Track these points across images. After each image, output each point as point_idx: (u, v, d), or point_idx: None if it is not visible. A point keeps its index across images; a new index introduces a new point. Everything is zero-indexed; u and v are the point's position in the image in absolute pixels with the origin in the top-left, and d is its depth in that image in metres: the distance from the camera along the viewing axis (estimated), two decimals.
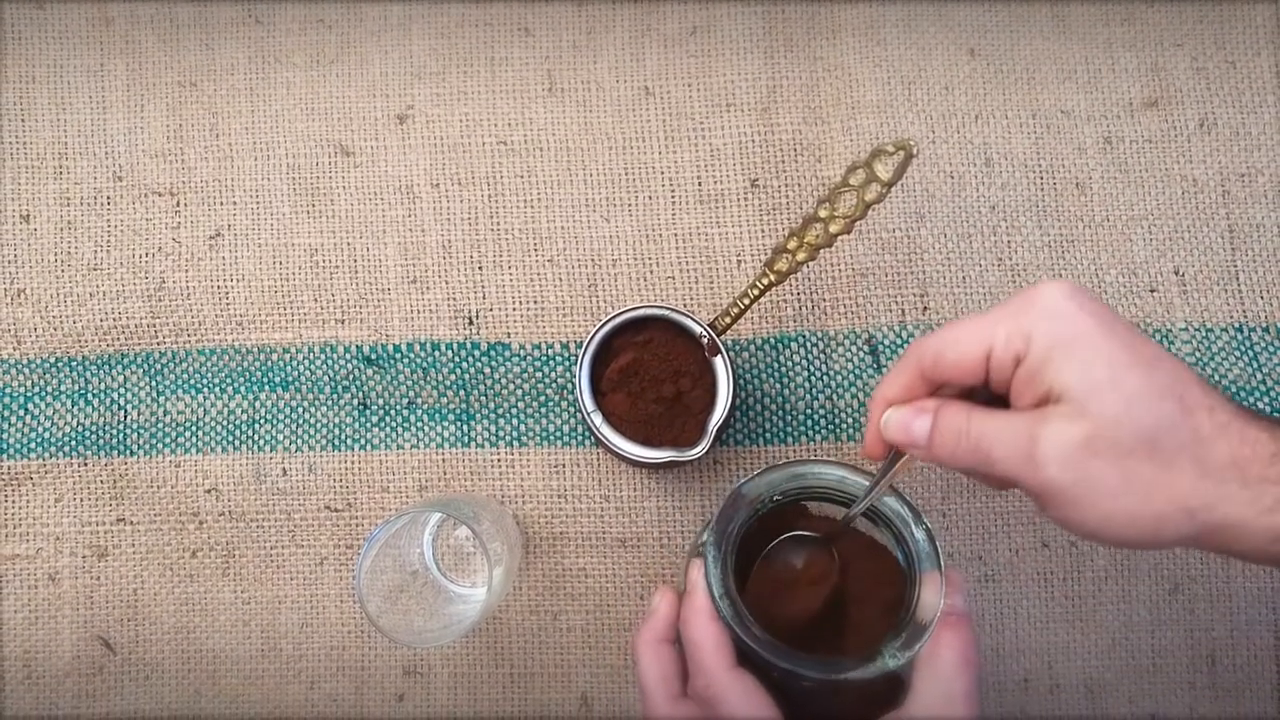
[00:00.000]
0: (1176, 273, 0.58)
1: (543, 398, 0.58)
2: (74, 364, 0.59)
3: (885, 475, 0.42)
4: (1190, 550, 0.56)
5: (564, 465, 0.58)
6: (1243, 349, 0.57)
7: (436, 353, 0.59)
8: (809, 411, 0.58)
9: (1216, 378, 0.56)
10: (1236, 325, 0.57)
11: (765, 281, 0.49)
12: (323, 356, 0.59)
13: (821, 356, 0.58)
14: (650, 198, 0.59)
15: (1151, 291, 0.58)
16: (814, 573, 0.45)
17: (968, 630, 0.41)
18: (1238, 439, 0.35)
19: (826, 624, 0.45)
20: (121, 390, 0.59)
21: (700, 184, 0.59)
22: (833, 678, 0.40)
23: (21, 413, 0.59)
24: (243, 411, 0.59)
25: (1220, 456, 0.35)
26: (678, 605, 0.44)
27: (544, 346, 0.58)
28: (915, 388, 0.40)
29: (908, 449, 0.40)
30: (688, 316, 0.51)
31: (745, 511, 0.43)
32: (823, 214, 0.46)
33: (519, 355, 0.59)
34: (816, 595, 0.44)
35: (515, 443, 0.58)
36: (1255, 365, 0.57)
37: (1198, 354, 0.57)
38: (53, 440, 0.59)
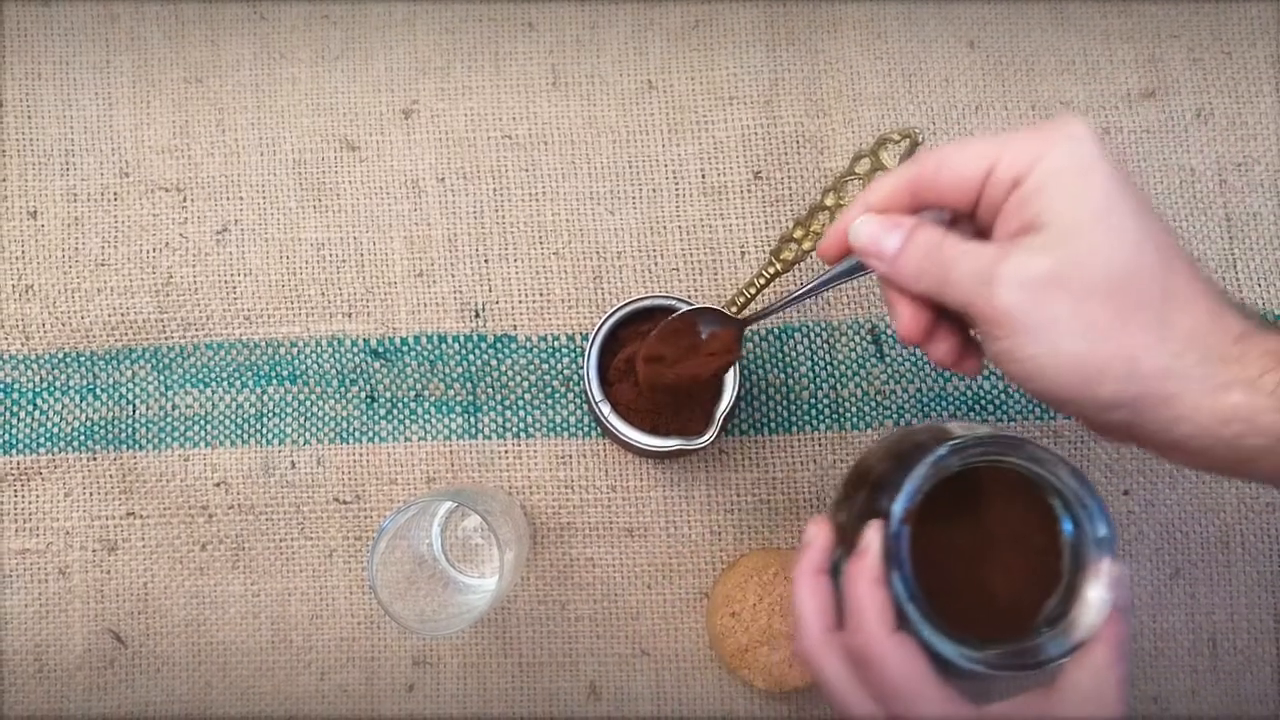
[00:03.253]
0: None
1: (549, 389, 0.59)
2: (82, 359, 0.59)
3: (826, 279, 0.42)
4: (1190, 535, 0.57)
5: (570, 456, 0.58)
6: None
7: (443, 345, 0.59)
8: (813, 401, 0.58)
9: None
10: None
11: (771, 270, 0.50)
12: (330, 350, 0.59)
13: (825, 346, 0.58)
14: (654, 190, 0.60)
15: None
16: (715, 345, 0.48)
17: (1124, 624, 0.40)
18: (1206, 311, 0.34)
19: (969, 562, 0.44)
20: (130, 385, 0.59)
21: (704, 176, 0.60)
22: (998, 672, 0.40)
23: (30, 408, 0.59)
24: (251, 405, 0.59)
25: (1185, 324, 0.34)
26: (832, 537, 0.44)
27: (550, 338, 0.59)
28: (899, 199, 0.39)
29: (870, 259, 0.39)
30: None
31: (930, 481, 0.42)
32: (829, 202, 0.47)
33: (525, 347, 0.59)
34: (709, 365, 0.48)
35: (522, 434, 0.59)
36: None
37: None
38: (62, 435, 0.59)
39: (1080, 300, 0.34)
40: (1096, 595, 0.40)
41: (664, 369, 0.49)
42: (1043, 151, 0.35)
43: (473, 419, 0.59)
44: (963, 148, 0.37)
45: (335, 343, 0.59)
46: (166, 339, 0.59)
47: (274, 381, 0.59)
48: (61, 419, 0.59)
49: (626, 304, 0.52)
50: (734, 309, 0.51)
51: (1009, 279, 0.34)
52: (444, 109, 0.61)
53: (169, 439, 0.59)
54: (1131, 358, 0.34)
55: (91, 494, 0.59)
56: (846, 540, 0.44)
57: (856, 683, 0.41)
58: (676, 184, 0.60)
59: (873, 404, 0.58)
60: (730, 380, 0.51)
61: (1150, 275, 0.34)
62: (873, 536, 0.41)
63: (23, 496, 0.59)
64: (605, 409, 0.51)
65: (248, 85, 0.61)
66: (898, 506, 0.41)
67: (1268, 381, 0.33)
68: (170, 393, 0.59)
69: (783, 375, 0.58)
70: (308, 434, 0.59)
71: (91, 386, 0.59)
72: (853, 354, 0.58)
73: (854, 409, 0.58)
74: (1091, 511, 0.41)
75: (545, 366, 0.59)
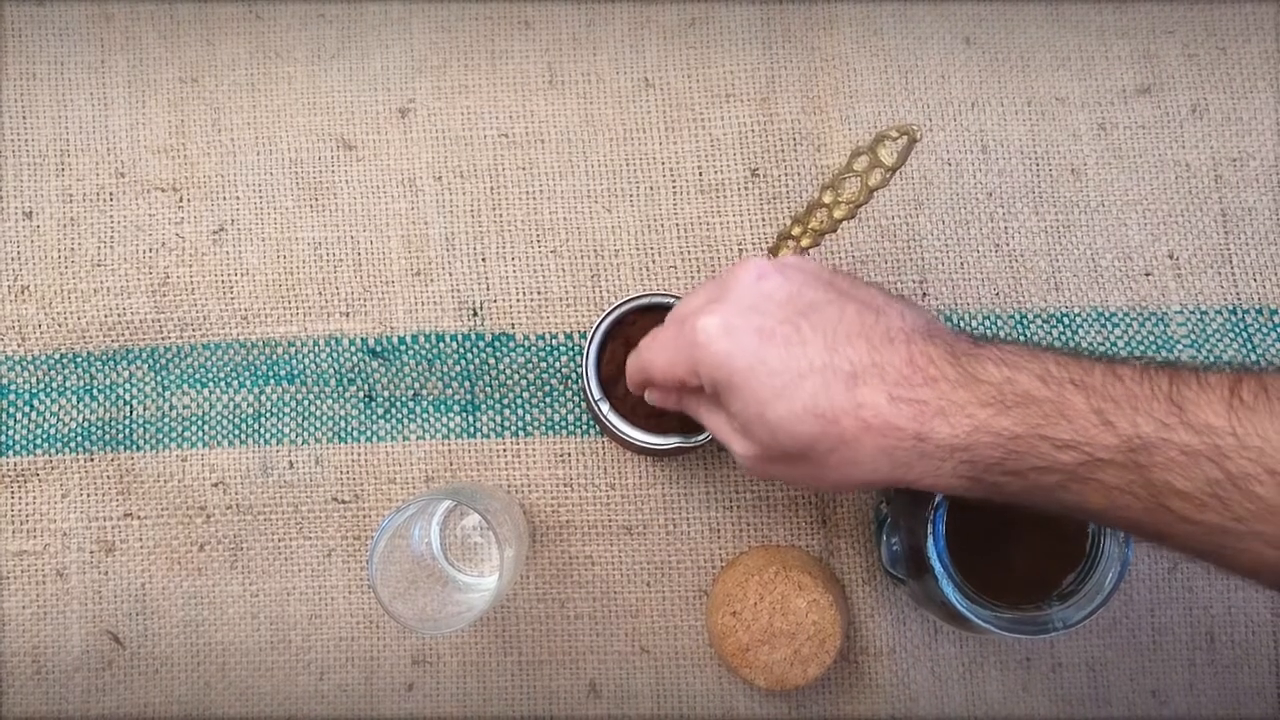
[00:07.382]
0: (1171, 256, 0.59)
1: (547, 388, 0.59)
2: (79, 360, 0.59)
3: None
4: None
5: (569, 454, 0.58)
6: (1237, 331, 0.58)
7: (441, 344, 0.59)
8: None
9: (1211, 360, 0.57)
10: (1230, 308, 0.58)
11: None
12: (328, 349, 0.59)
13: None
14: (651, 188, 0.60)
15: (1147, 275, 0.59)
16: None
17: None
18: (880, 434, 0.39)
19: (998, 537, 0.50)
20: (127, 385, 0.59)
21: (701, 174, 0.60)
22: (1002, 633, 0.48)
23: (27, 409, 0.59)
24: (248, 405, 0.59)
25: (868, 449, 0.39)
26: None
27: (548, 337, 0.59)
28: (641, 382, 0.48)
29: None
30: None
31: None
32: (827, 199, 0.47)
33: (523, 346, 0.59)
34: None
35: (520, 433, 0.59)
36: (1250, 347, 0.58)
37: (1193, 336, 0.58)
38: (59, 436, 0.59)
39: (786, 466, 0.42)
40: (1106, 580, 0.48)
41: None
42: (698, 369, 0.41)
43: (471, 418, 0.59)
44: (655, 367, 0.44)
45: (333, 342, 0.59)
46: (163, 339, 0.59)
47: (271, 381, 0.59)
48: (58, 420, 0.59)
49: (624, 302, 0.52)
50: None
51: (740, 460, 0.43)
52: (440, 108, 0.61)
53: (166, 439, 0.59)
54: (848, 483, 0.41)
55: (89, 495, 0.58)
56: (888, 496, 0.53)
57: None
58: (674, 182, 0.60)
59: None
60: None
61: (818, 435, 0.39)
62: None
63: (20, 498, 0.58)
64: (604, 407, 0.51)
65: (243, 85, 0.61)
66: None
67: (946, 469, 0.39)
68: (167, 393, 0.59)
69: None
70: (306, 434, 0.59)
71: (88, 387, 0.59)
72: None
73: None
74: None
75: (543, 365, 0.59)
